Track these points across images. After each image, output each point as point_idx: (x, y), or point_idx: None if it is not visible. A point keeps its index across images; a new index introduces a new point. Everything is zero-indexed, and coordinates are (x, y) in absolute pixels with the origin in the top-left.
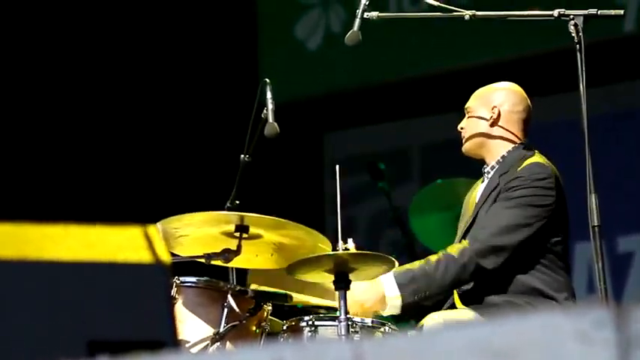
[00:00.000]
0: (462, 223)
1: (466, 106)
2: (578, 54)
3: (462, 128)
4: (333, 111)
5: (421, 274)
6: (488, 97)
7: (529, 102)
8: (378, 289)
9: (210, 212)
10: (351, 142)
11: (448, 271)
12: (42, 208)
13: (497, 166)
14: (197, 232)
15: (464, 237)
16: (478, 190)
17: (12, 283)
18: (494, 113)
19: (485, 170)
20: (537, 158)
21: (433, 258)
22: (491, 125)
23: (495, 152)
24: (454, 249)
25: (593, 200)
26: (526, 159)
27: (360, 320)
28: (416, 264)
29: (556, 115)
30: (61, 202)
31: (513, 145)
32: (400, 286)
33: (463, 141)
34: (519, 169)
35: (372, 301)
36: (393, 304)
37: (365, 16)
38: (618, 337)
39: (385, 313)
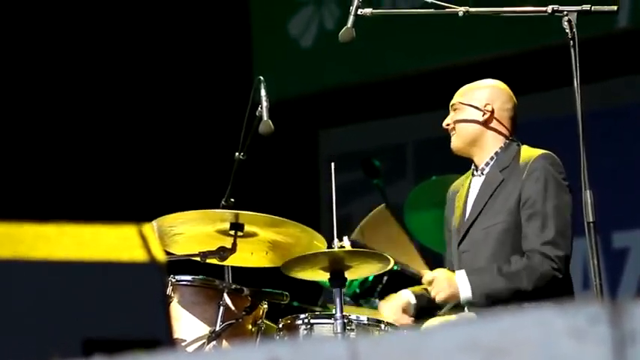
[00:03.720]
0: (454, 218)
1: (453, 103)
2: (572, 50)
3: (448, 125)
4: (327, 108)
5: (498, 282)
6: (479, 94)
7: (515, 100)
8: (456, 289)
9: (205, 210)
10: (345, 139)
11: (526, 280)
12: (36, 208)
13: (491, 162)
14: (192, 231)
15: (466, 232)
16: (469, 185)
17: (6, 283)
18: (486, 111)
19: (480, 167)
20: (537, 150)
21: (510, 267)
22: (484, 123)
23: (487, 150)
24: (530, 259)
25: (587, 196)
26: (518, 152)
27: (355, 318)
28: (494, 272)
29: (550, 111)
30: (55, 202)
31: (504, 142)
32: (476, 295)
33: (453, 138)
34: (530, 162)
35: (450, 294)
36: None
37: (359, 12)
38: (613, 333)
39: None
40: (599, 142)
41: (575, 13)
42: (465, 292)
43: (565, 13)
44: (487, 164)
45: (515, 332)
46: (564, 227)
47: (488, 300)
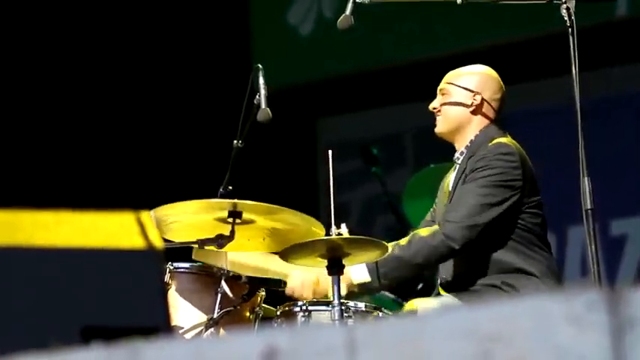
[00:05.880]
0: (438, 210)
1: (441, 88)
2: (571, 38)
3: (435, 109)
4: (326, 96)
5: (391, 258)
6: (469, 81)
7: (504, 88)
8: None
9: (203, 200)
10: (344, 128)
11: (418, 253)
12: (34, 195)
13: (465, 152)
14: (190, 219)
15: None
16: (450, 177)
17: (4, 271)
18: (475, 100)
19: (455, 157)
20: (502, 139)
21: (403, 241)
22: (473, 112)
23: (466, 137)
24: (425, 231)
25: (586, 183)
26: (492, 140)
27: (353, 305)
28: (391, 252)
29: (548, 99)
30: (53, 189)
31: (480, 130)
32: (370, 270)
33: (437, 121)
34: (484, 150)
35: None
36: (357, 286)
37: (357, 0)
38: (611, 319)
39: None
40: (598, 129)
41: (574, 1)
42: (361, 275)
43: (564, 1)
44: (462, 153)
45: (513, 319)
46: (479, 209)
47: (386, 279)
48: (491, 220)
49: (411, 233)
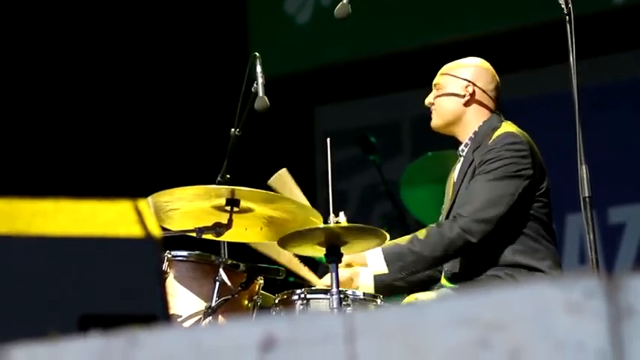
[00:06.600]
0: (445, 203)
1: (435, 82)
2: (568, 26)
3: (430, 103)
4: (323, 84)
5: (409, 251)
6: (460, 73)
7: (498, 78)
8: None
9: (201, 186)
10: (341, 116)
11: (436, 247)
12: (32, 183)
13: (470, 143)
14: (188, 206)
15: (447, 216)
16: (456, 170)
17: (2, 259)
18: (467, 91)
19: (460, 149)
20: (508, 127)
21: (421, 234)
22: (466, 104)
23: (468, 129)
24: (441, 225)
25: (583, 171)
26: (496, 130)
27: (352, 293)
28: (403, 240)
29: (546, 87)
30: (52, 177)
31: (483, 121)
32: (388, 262)
33: (433, 117)
34: (490, 140)
35: (350, 278)
36: (371, 281)
37: None
38: (609, 307)
39: (362, 289)
40: (595, 117)
41: None
42: (378, 265)
43: None
44: (466, 145)
45: (511, 306)
46: (494, 202)
47: (403, 271)
48: (506, 211)
49: (428, 226)
